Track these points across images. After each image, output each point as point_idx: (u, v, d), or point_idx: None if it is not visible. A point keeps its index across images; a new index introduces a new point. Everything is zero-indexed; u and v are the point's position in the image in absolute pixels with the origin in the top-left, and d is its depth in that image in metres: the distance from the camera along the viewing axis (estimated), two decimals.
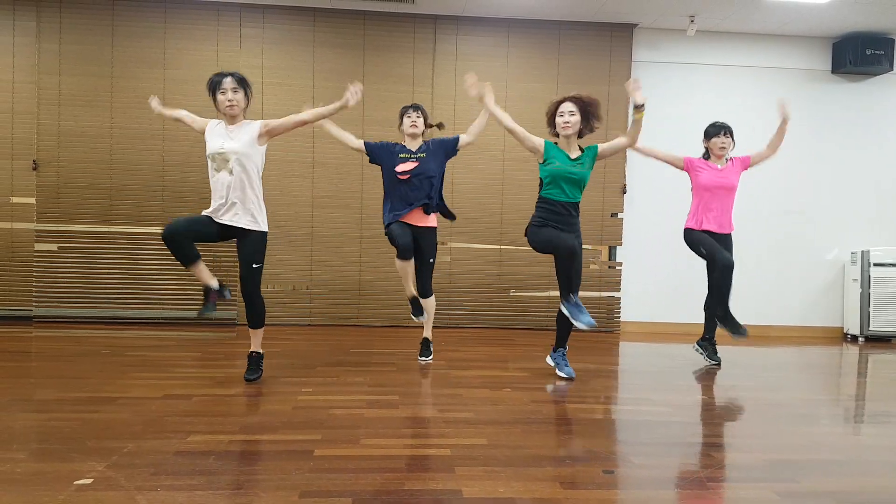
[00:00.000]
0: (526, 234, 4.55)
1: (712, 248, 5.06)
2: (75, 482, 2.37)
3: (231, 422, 3.22)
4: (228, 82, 3.96)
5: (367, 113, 6.78)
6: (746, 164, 5.21)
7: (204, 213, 4.05)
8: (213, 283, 4.11)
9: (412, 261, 4.70)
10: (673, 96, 7.12)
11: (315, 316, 6.88)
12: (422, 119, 4.81)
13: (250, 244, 4.04)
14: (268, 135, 4.07)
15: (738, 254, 7.13)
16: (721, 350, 5.47)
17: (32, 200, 6.56)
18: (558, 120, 4.38)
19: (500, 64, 6.98)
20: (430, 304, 5.00)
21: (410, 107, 4.87)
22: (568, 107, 4.35)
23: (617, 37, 7.01)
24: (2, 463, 2.55)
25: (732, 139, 5.19)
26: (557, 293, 6.97)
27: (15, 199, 6.56)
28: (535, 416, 3.46)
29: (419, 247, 4.80)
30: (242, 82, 4.02)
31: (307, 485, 2.41)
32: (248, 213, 4.01)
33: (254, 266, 4.05)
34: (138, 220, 6.59)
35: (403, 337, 6.20)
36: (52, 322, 6.48)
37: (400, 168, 4.69)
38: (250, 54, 6.72)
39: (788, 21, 6.74)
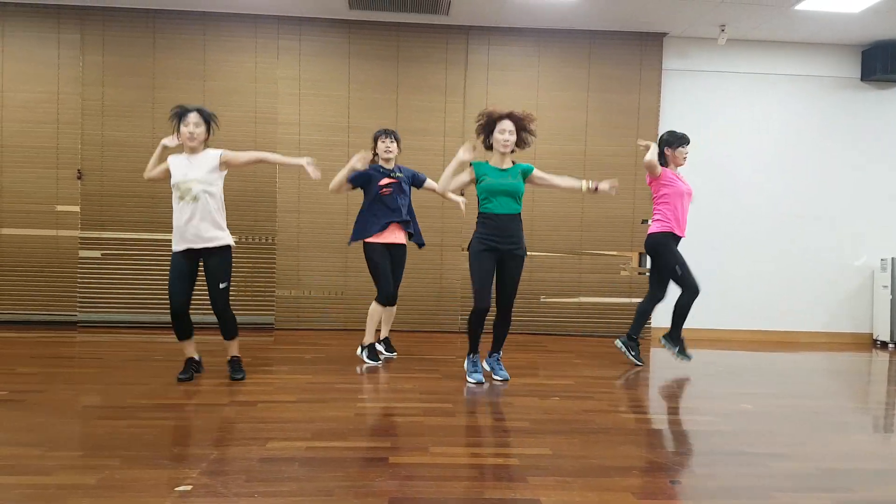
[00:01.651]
0: (468, 249, 4.66)
1: (688, 272, 5.27)
2: (176, 489, 2.51)
3: (301, 428, 3.36)
4: (193, 117, 4.25)
5: (401, 122, 6.90)
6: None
7: (173, 251, 4.32)
8: (196, 356, 4.58)
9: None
10: (702, 104, 7.23)
11: (350, 321, 7.00)
12: (395, 144, 5.16)
13: (215, 262, 4.32)
14: (226, 165, 4.35)
15: (768, 259, 7.28)
16: (751, 356, 5.57)
17: (77, 208, 6.72)
18: (498, 136, 4.50)
19: (531, 73, 7.10)
20: (393, 312, 5.41)
21: (384, 132, 5.19)
22: (508, 125, 4.49)
23: (647, 46, 7.12)
24: (99, 469, 2.69)
25: None
26: (588, 299, 7.15)
27: (60, 208, 6.73)
28: (589, 426, 3.58)
29: (393, 263, 5.17)
30: (207, 118, 4.31)
31: (393, 492, 2.54)
32: (210, 232, 4.27)
33: (220, 286, 4.34)
34: None
35: (439, 342, 6.33)
36: (96, 327, 6.64)
37: (384, 182, 5.04)
38: (287, 66, 6.86)
39: (818, 29, 6.83)
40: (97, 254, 6.75)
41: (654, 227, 5.40)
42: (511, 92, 7.04)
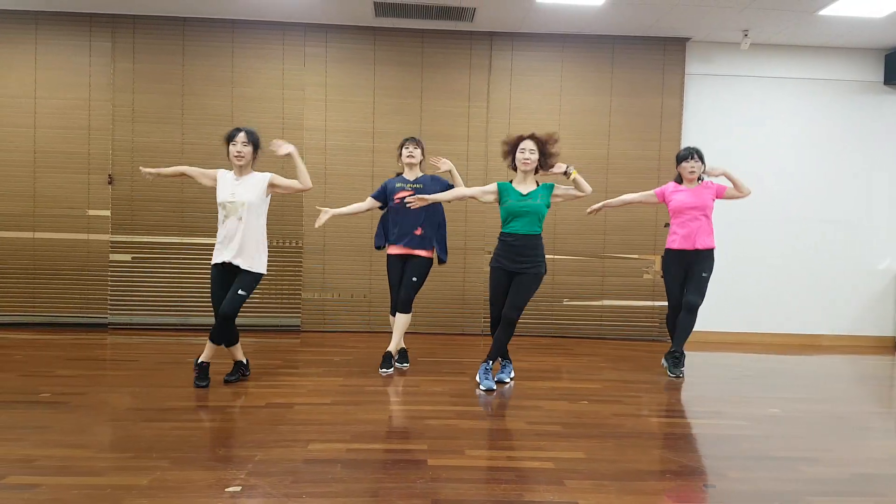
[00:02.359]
0: (490, 264, 4.84)
1: (672, 292, 5.38)
2: (226, 489, 2.60)
3: (339, 430, 3.44)
4: (241, 136, 4.38)
5: (425, 127, 6.99)
6: (721, 193, 5.36)
7: (213, 263, 4.45)
8: (244, 359, 4.69)
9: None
10: (725, 109, 7.25)
11: (374, 323, 7.09)
12: (419, 150, 5.20)
13: (244, 278, 4.39)
14: (272, 188, 4.49)
15: (790, 263, 7.30)
16: (775, 359, 5.61)
17: (108, 213, 6.86)
18: (519, 156, 4.62)
19: (554, 78, 7.15)
20: (404, 319, 5.16)
21: (409, 140, 5.27)
22: (528, 145, 4.61)
23: (670, 50, 7.16)
24: (150, 470, 2.79)
25: (702, 162, 5.36)
26: (611, 302, 7.20)
27: (91, 212, 6.86)
28: (621, 430, 3.64)
29: (406, 267, 5.16)
30: (253, 139, 4.43)
31: (435, 493, 2.62)
32: (249, 257, 4.38)
33: (239, 292, 4.37)
34: (208, 232, 6.85)
35: (463, 344, 6.41)
36: (126, 329, 6.77)
37: (398, 196, 5.08)
38: (314, 72, 6.96)
39: (842, 34, 6.84)
40: (127, 257, 6.88)
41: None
42: (534, 97, 7.11)
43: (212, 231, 6.79)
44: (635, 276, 7.21)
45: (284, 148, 4.44)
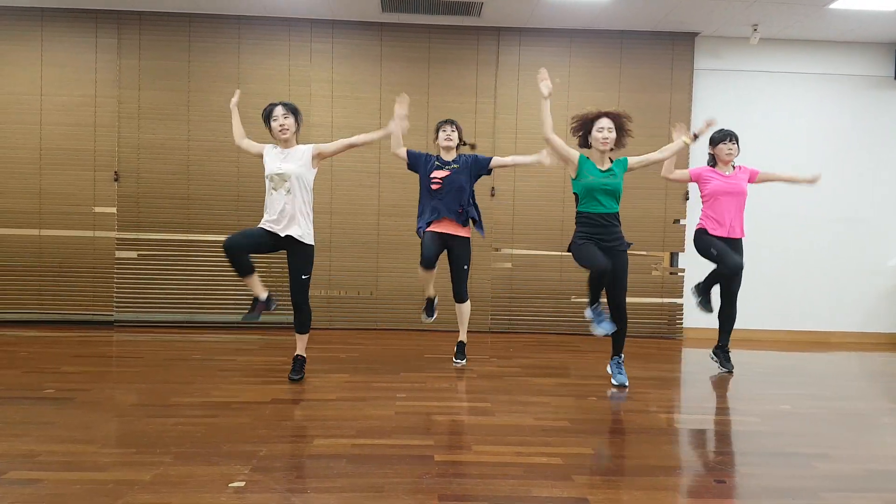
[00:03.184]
0: (570, 250, 4.67)
1: (724, 250, 5.13)
2: (230, 485, 2.57)
3: (345, 426, 3.41)
4: (280, 110, 4.37)
5: (432, 124, 6.87)
6: (753, 177, 5.29)
7: (260, 226, 4.41)
8: (263, 294, 4.46)
9: (433, 271, 5.02)
10: (734, 104, 7.18)
11: (381, 320, 7.06)
12: (456, 133, 5.12)
13: (300, 256, 4.40)
14: (319, 157, 4.48)
15: (800, 259, 7.22)
16: (786, 356, 5.54)
17: (113, 210, 6.84)
18: (597, 135, 4.48)
19: (562, 73, 7.09)
20: (465, 308, 5.25)
21: (446, 121, 5.21)
22: (606, 123, 4.48)
23: (679, 45, 7.09)
24: (153, 466, 2.76)
25: (738, 146, 5.27)
26: None
27: (97, 209, 6.85)
28: (629, 426, 3.60)
29: (453, 255, 5.10)
30: (292, 109, 4.44)
31: (441, 489, 2.58)
32: (300, 227, 4.37)
33: (303, 277, 4.41)
34: (214, 229, 6.84)
35: (469, 341, 6.31)
36: (132, 326, 6.76)
37: (433, 175, 5.00)
38: (320, 68, 6.93)
39: (851, 28, 6.76)
40: (133, 254, 6.87)
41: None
42: None
43: (217, 228, 6.82)
44: (644, 272, 7.15)
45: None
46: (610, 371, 4.71)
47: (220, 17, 6.82)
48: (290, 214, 4.33)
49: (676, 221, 7.14)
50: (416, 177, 6.92)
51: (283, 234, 4.33)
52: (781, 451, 3.25)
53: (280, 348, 5.78)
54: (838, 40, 7.14)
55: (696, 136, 4.71)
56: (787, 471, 2.96)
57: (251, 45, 6.89)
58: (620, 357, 4.68)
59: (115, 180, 6.83)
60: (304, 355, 4.61)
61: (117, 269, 6.85)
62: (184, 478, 2.64)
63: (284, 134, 4.37)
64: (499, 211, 7.06)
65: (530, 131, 7.06)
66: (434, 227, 5.02)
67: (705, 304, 5.35)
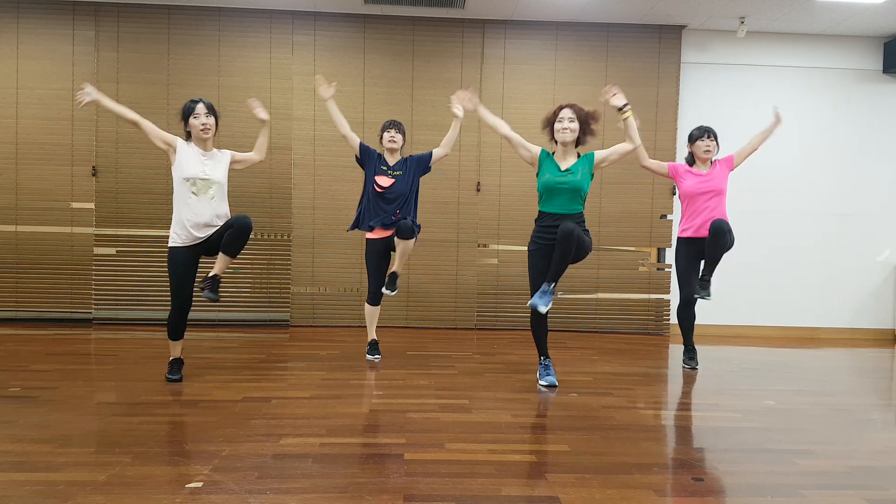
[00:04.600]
0: (529, 248, 4.45)
1: (684, 278, 5.13)
2: (187, 485, 2.46)
3: (315, 424, 3.31)
4: (201, 108, 4.19)
5: (416, 117, 6.86)
6: (731, 164, 5.15)
7: (180, 245, 4.20)
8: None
9: (378, 308, 5.23)
10: (722, 97, 7.11)
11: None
12: (400, 136, 5.09)
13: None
14: (233, 164, 4.39)
15: (787, 255, 7.14)
16: (773, 352, 5.46)
17: (92, 205, 6.72)
18: (557, 126, 4.29)
19: (548, 67, 7.01)
20: (410, 245, 4.93)
21: (391, 124, 5.15)
22: (567, 114, 4.28)
23: (666, 38, 7.01)
24: (110, 466, 2.66)
25: (716, 142, 5.14)
26: (606, 295, 7.06)
27: (75, 204, 6.73)
28: (609, 423, 3.50)
29: (390, 245, 5.08)
30: (212, 109, 4.27)
31: (408, 488, 2.48)
32: (218, 221, 4.25)
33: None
34: None
35: (455, 338, 6.27)
36: (111, 324, 6.64)
37: (379, 180, 5.00)
38: (302, 61, 6.82)
39: (840, 21, 6.69)
40: (112, 251, 6.75)
41: None
42: (528, 86, 6.97)
43: None
44: (631, 268, 7.07)
45: (263, 113, 4.39)
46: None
47: (199, 8, 6.70)
48: (213, 217, 4.19)
49: (663, 217, 7.06)
50: None
51: (202, 237, 4.19)
52: (763, 448, 3.17)
53: (261, 346, 5.69)
54: (826, 33, 7.07)
55: (622, 109, 4.41)
56: (767, 467, 2.88)
57: (232, 37, 6.77)
58: (549, 285, 4.26)
59: (94, 175, 6.71)
60: (219, 275, 4.28)
61: (96, 265, 6.73)
62: (140, 478, 2.53)
63: (206, 133, 4.19)
64: (484, 206, 6.96)
65: (515, 124, 6.86)
66: (374, 235, 5.06)
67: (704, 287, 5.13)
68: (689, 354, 5.24)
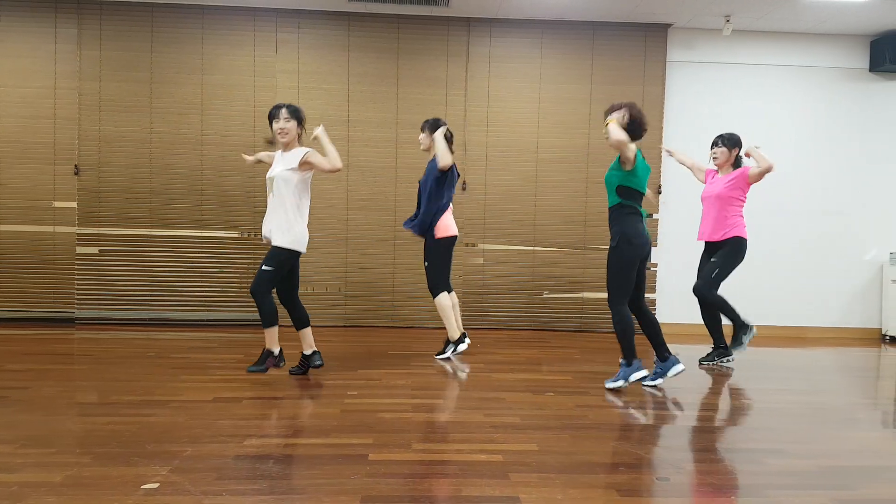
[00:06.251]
0: None
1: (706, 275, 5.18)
2: (142, 486, 2.43)
3: (283, 425, 3.28)
4: (283, 113, 4.32)
5: (401, 115, 6.83)
6: (744, 175, 5.12)
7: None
8: (276, 348, 4.33)
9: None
10: (708, 96, 7.08)
11: (350, 317, 6.93)
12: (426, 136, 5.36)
13: (269, 252, 4.30)
14: (306, 164, 4.32)
15: (774, 254, 7.11)
16: (758, 352, 5.44)
17: (74, 204, 6.68)
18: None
19: (533, 65, 6.97)
20: (437, 304, 5.25)
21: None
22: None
23: (651, 37, 6.98)
24: (68, 466, 2.62)
25: (727, 148, 5.18)
26: (591, 295, 7.02)
27: (57, 203, 6.68)
28: (581, 422, 3.47)
29: None
30: (295, 114, 4.33)
31: (367, 489, 2.45)
32: (279, 231, 4.27)
33: (263, 267, 4.25)
34: (177, 224, 6.69)
35: (438, 338, 6.20)
36: (94, 324, 6.60)
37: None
38: (286, 59, 6.78)
39: (825, 19, 6.66)
40: (95, 250, 6.71)
41: None
42: (513, 84, 6.94)
43: (181, 223, 6.70)
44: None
45: (314, 134, 4.42)
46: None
47: (182, 6, 6.66)
48: (272, 217, 4.29)
49: (649, 216, 7.02)
50: (386, 170, 6.86)
51: (266, 236, 4.34)
52: (735, 447, 3.14)
53: (240, 345, 5.65)
54: (812, 32, 7.04)
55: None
56: (736, 467, 2.85)
57: (215, 35, 6.74)
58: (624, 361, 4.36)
59: (76, 174, 6.67)
60: (271, 349, 4.33)
61: (78, 265, 6.69)
62: (97, 479, 2.50)
63: (283, 137, 4.31)
64: (470, 205, 6.93)
65: (500, 123, 6.95)
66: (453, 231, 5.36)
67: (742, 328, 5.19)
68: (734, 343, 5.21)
